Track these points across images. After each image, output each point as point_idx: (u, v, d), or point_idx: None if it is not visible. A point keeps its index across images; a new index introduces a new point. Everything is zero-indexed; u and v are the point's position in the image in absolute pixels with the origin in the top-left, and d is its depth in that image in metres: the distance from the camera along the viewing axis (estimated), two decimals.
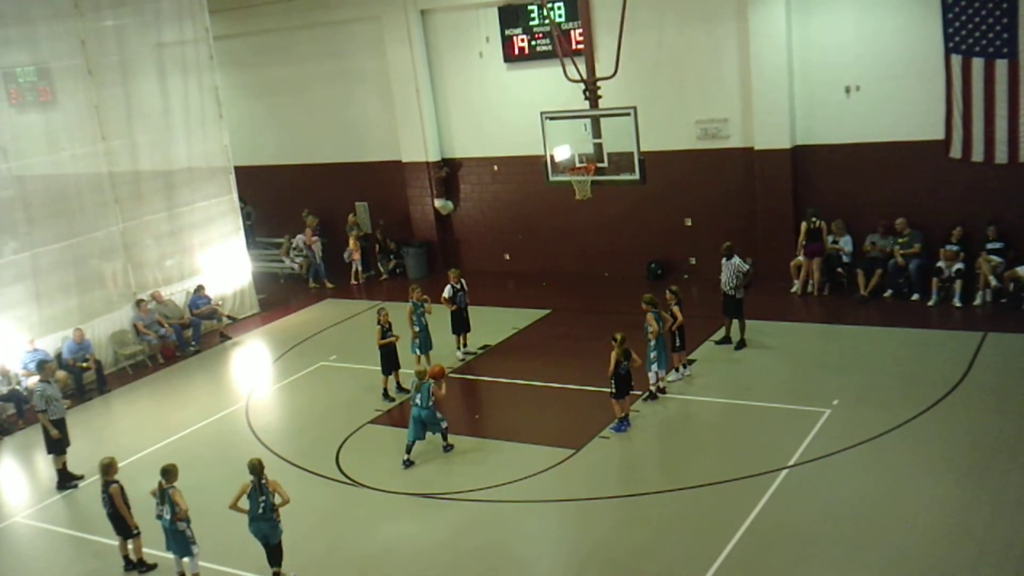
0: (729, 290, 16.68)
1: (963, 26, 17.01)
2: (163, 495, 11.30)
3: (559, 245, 22.59)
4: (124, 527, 11.96)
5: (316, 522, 12.69)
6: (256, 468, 11.10)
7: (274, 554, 11.33)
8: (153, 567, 12.04)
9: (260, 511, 11.04)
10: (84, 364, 18.37)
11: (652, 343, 14.92)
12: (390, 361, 16.34)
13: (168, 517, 11.26)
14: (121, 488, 11.90)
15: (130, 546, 12.08)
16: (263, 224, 26.29)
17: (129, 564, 12.10)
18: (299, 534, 12.28)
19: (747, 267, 16.72)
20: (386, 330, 16.18)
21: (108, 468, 11.89)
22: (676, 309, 15.47)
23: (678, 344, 15.67)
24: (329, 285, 23.96)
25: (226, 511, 11.25)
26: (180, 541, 11.35)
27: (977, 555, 10.36)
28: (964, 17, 16.95)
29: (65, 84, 19.87)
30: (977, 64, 17.05)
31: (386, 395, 16.37)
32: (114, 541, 12.22)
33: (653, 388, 15.16)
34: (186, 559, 11.49)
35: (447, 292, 17.63)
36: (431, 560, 11.60)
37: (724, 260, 16.69)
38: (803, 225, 19.01)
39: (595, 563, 11.21)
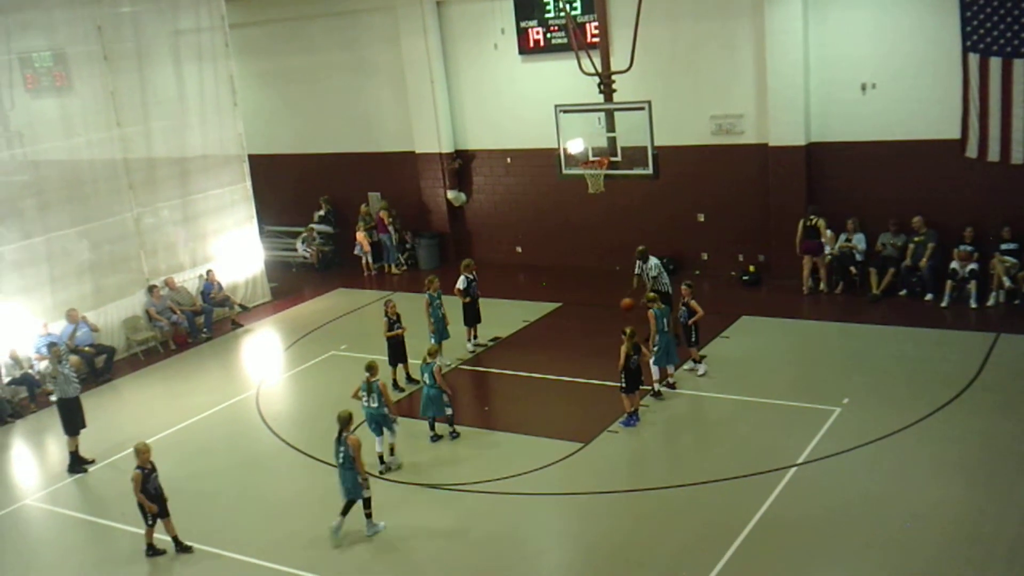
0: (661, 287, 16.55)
1: (981, 24, 16.90)
2: (369, 387, 13.22)
3: (571, 239, 22.56)
4: (163, 509, 11.95)
5: (325, 511, 12.71)
6: (341, 419, 11.85)
7: (350, 508, 11.95)
8: (162, 553, 12.04)
9: (341, 461, 11.83)
10: (87, 348, 18.40)
11: (655, 339, 14.92)
12: (397, 353, 16.34)
13: (376, 405, 13.28)
14: (142, 475, 11.82)
15: (160, 524, 11.99)
16: (275, 213, 26.27)
17: (151, 550, 12.00)
18: (307, 523, 12.36)
19: (655, 273, 16.64)
20: (393, 322, 16.19)
21: (141, 453, 11.88)
22: (694, 303, 15.48)
23: (694, 339, 15.70)
24: (396, 271, 23.95)
25: (237, 499, 11.39)
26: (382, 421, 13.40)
27: (985, 557, 10.34)
28: (982, 16, 16.84)
29: (81, 70, 19.91)
30: (995, 63, 16.95)
31: (395, 386, 16.40)
32: (123, 525, 12.30)
33: (658, 384, 15.14)
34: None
35: (461, 283, 17.61)
36: (439, 550, 11.64)
37: (640, 263, 16.69)
38: (800, 223, 18.94)
39: (601, 557, 11.23)
